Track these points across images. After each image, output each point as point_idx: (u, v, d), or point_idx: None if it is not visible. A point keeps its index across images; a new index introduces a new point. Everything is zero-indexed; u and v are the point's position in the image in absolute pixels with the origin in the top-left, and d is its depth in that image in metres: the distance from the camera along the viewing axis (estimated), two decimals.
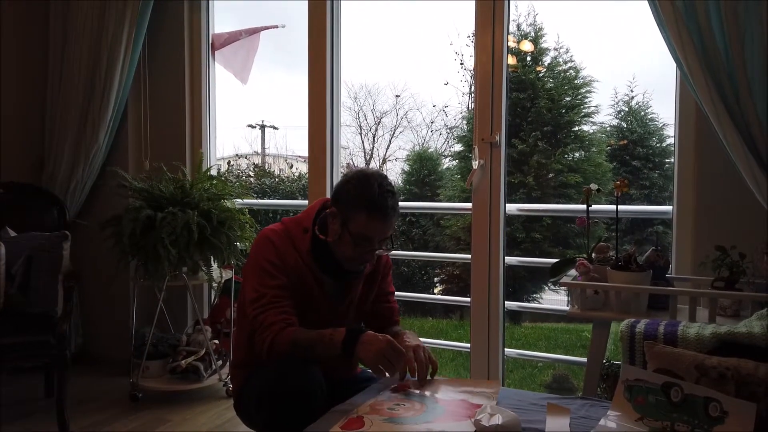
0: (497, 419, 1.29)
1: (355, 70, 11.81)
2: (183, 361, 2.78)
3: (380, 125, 11.12)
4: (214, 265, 2.92)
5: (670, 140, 7.35)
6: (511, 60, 6.98)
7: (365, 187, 1.58)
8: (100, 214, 3.00)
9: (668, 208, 2.47)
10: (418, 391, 1.54)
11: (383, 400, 1.47)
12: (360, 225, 1.57)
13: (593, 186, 2.09)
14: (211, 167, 3.16)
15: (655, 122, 7.71)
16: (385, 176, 1.64)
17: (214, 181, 2.96)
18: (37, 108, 3.20)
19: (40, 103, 3.20)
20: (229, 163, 8.21)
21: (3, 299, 2.51)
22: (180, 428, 2.49)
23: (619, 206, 2.05)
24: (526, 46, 7.29)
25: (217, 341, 2.97)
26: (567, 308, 2.12)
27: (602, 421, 1.37)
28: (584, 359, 2.42)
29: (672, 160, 7.58)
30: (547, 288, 7.08)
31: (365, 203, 1.56)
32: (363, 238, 1.59)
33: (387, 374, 1.51)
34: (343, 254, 1.63)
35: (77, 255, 2.84)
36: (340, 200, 1.62)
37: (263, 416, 1.53)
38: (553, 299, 7.05)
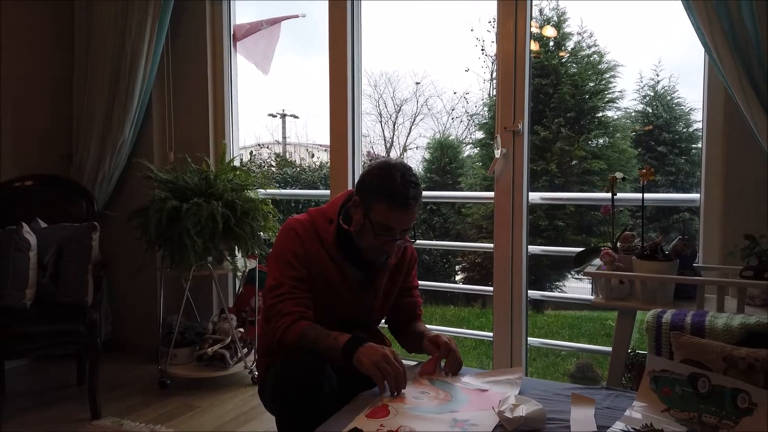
0: (521, 410, 1.29)
1: (374, 57, 11.76)
2: (209, 349, 2.83)
3: (400, 113, 11.07)
4: (239, 255, 2.96)
5: (697, 125, 7.19)
6: (534, 46, 6.88)
7: (387, 177, 1.57)
8: (127, 205, 3.05)
9: (695, 195, 2.43)
10: (443, 379, 1.55)
11: (408, 389, 1.48)
12: (381, 215, 1.57)
13: (618, 174, 2.06)
14: (234, 158, 3.19)
15: (682, 107, 7.54)
16: (409, 167, 1.63)
17: (238, 172, 2.99)
18: (65, 101, 3.26)
19: (67, 96, 3.26)
20: (251, 153, 8.25)
21: (35, 289, 2.58)
22: (208, 414, 2.55)
23: (645, 194, 2.02)
24: (549, 31, 7.17)
25: (242, 329, 3.02)
26: (591, 297, 2.11)
27: (627, 412, 1.36)
28: (608, 348, 2.40)
29: (699, 145, 7.37)
30: (570, 276, 7.02)
31: (386, 193, 1.56)
32: (384, 228, 1.59)
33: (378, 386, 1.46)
34: (365, 244, 1.63)
35: (105, 246, 2.90)
36: (362, 190, 1.62)
37: (277, 406, 1.56)
38: (576, 287, 6.98)
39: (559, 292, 6.91)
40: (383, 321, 1.90)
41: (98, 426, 2.39)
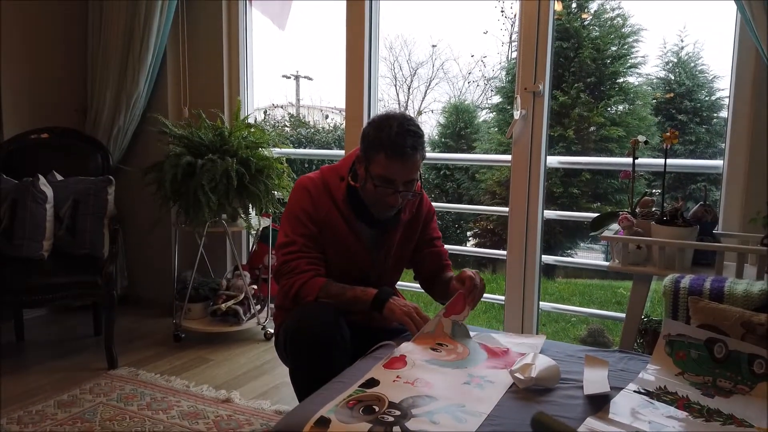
0: (532, 371, 1.29)
1: (390, 19, 11.52)
2: (223, 305, 2.87)
3: (416, 76, 10.92)
4: (253, 213, 2.96)
5: (720, 93, 7.00)
6: (557, 6, 6.69)
7: (384, 128, 1.55)
8: (142, 160, 3.06)
9: (718, 162, 2.38)
10: (463, 321, 1.55)
11: (427, 340, 1.48)
12: (380, 167, 1.55)
13: (641, 137, 2.02)
14: (248, 115, 3.16)
15: (705, 74, 7.31)
16: (410, 117, 1.60)
17: (252, 129, 2.96)
18: (80, 55, 3.23)
19: (82, 49, 3.23)
20: (265, 112, 8.19)
21: (52, 240, 2.61)
22: (221, 367, 2.59)
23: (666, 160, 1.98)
24: None
25: (255, 286, 3.05)
26: (606, 263, 2.09)
27: (641, 375, 1.36)
28: (620, 314, 2.40)
29: (722, 114, 7.09)
30: (582, 244, 6.98)
31: (383, 144, 1.54)
32: (384, 180, 1.56)
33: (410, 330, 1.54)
34: (368, 199, 1.62)
35: (120, 200, 2.91)
36: (363, 143, 1.61)
37: (291, 357, 1.58)
38: (588, 256, 6.95)
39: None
40: (414, 278, 1.90)
41: (115, 375, 2.44)
